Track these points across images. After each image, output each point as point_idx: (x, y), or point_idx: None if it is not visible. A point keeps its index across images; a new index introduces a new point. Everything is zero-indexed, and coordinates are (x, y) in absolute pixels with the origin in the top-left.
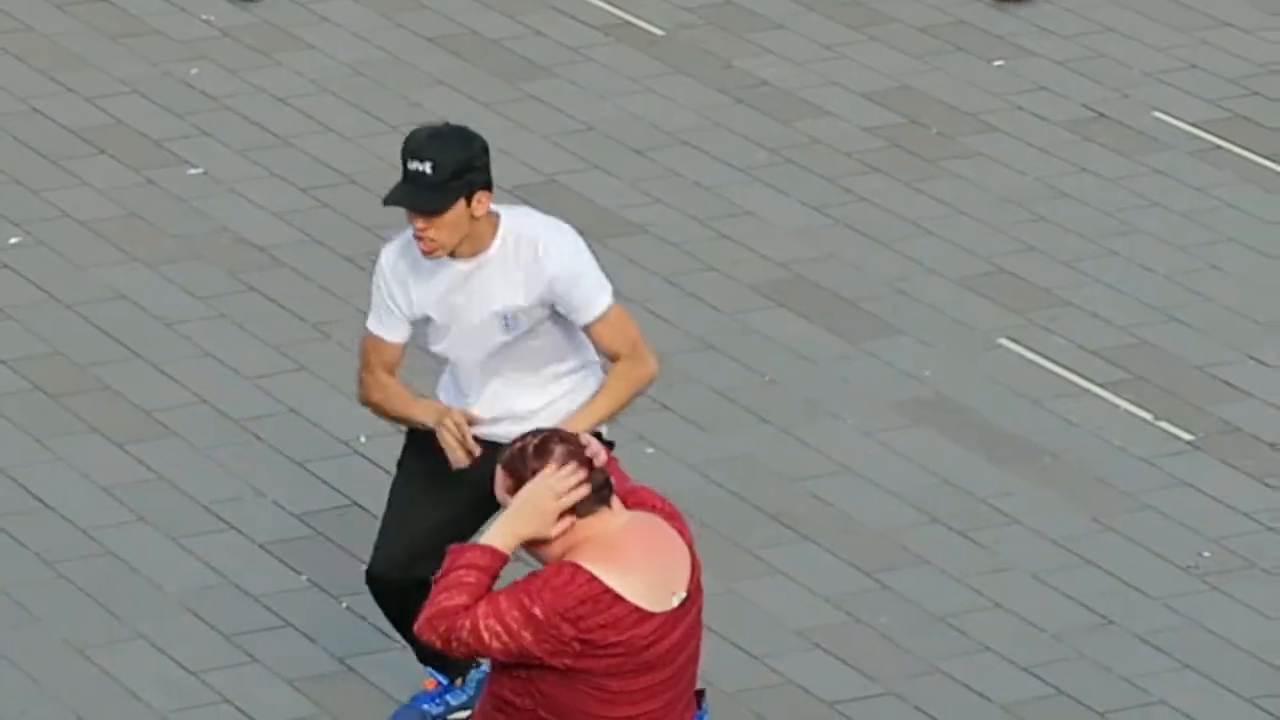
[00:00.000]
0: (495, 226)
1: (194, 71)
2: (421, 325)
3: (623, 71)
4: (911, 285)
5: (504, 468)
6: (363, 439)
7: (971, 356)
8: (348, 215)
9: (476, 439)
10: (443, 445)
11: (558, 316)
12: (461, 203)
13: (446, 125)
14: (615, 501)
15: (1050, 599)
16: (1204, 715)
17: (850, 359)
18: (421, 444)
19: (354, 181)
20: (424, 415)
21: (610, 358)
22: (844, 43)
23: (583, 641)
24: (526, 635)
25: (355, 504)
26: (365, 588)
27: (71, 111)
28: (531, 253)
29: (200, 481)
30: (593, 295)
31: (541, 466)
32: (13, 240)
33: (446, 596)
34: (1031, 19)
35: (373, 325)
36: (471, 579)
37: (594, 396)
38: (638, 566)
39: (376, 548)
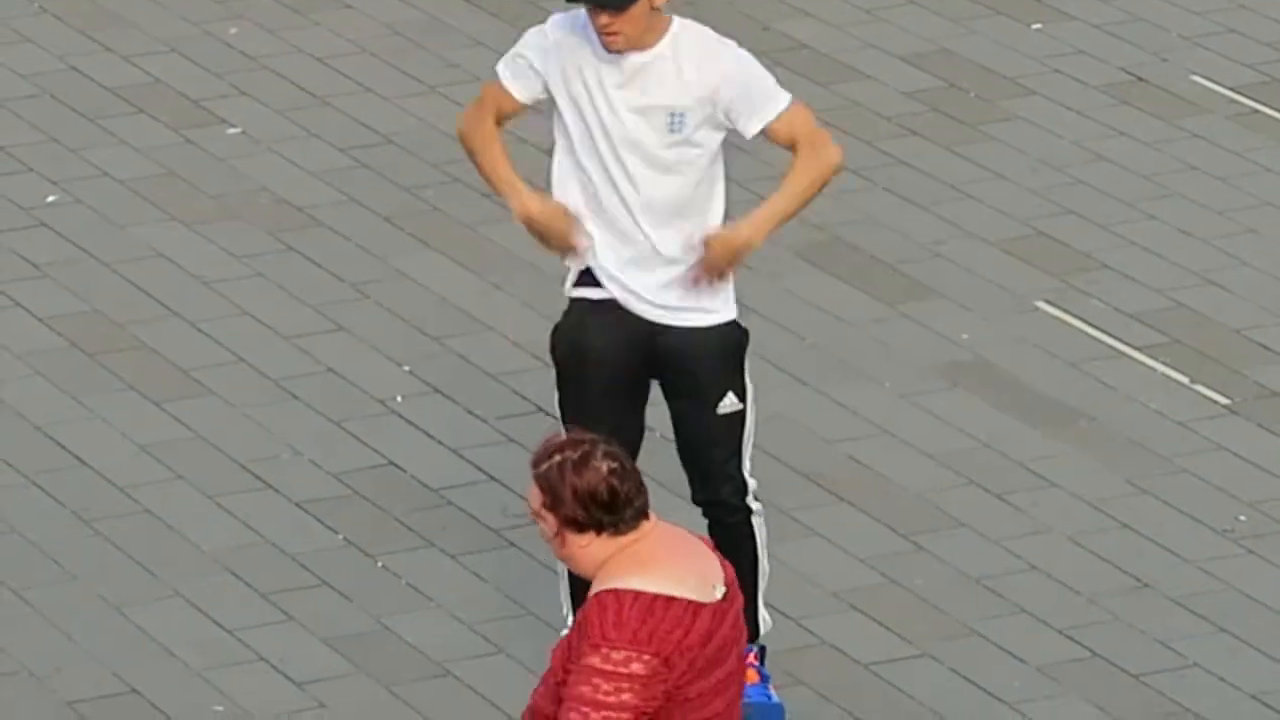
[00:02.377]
0: (667, 25)
1: (233, 31)
2: (573, 122)
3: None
4: (949, 249)
5: (537, 479)
6: (399, 399)
7: (1009, 320)
8: (386, 175)
9: (605, 302)
10: (541, 230)
11: (716, 144)
12: None
13: None
14: (650, 513)
15: (1086, 562)
16: (1239, 678)
17: (888, 322)
18: (575, 371)
19: (392, 141)
20: (508, 188)
21: (790, 148)
22: (883, 6)
23: (665, 658)
24: (627, 697)
25: (392, 464)
26: (402, 547)
27: (110, 70)
28: (705, 49)
29: (237, 440)
30: (773, 91)
31: (581, 483)
32: (50, 199)
33: None
34: None
35: (502, 69)
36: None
37: (775, 194)
38: (672, 566)
39: None
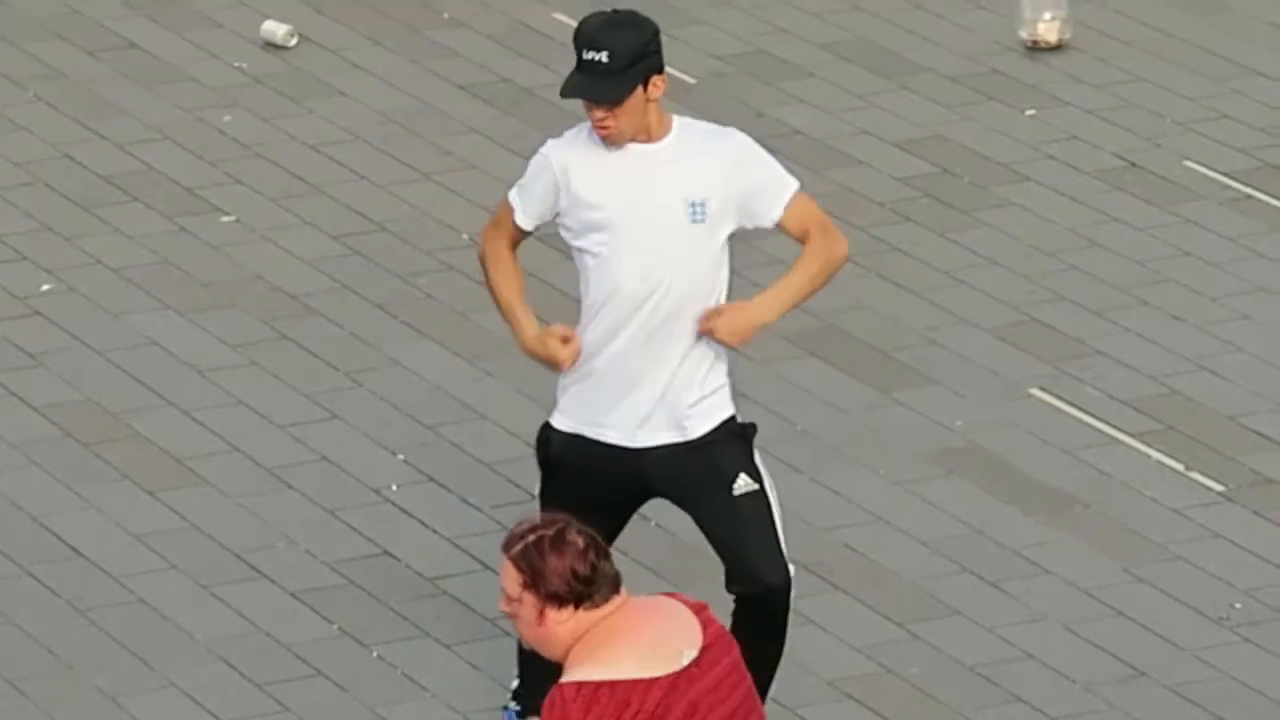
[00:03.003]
0: (668, 120)
1: (226, 119)
2: (587, 225)
3: None
4: (943, 335)
5: (514, 560)
6: (394, 487)
7: (1003, 406)
8: (379, 263)
9: (603, 445)
10: (544, 354)
11: (724, 238)
12: (639, 89)
13: (617, 11)
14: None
15: (1081, 650)
16: None
17: (882, 408)
18: (558, 476)
19: (385, 229)
20: (511, 317)
21: (801, 239)
22: (876, 91)
23: None
24: None
25: (386, 552)
26: (397, 637)
27: (104, 158)
28: (712, 140)
29: (232, 530)
30: (782, 176)
31: (561, 564)
32: (45, 287)
33: None
34: (1063, 68)
35: (514, 195)
36: None
37: (786, 274)
38: (629, 642)
39: None
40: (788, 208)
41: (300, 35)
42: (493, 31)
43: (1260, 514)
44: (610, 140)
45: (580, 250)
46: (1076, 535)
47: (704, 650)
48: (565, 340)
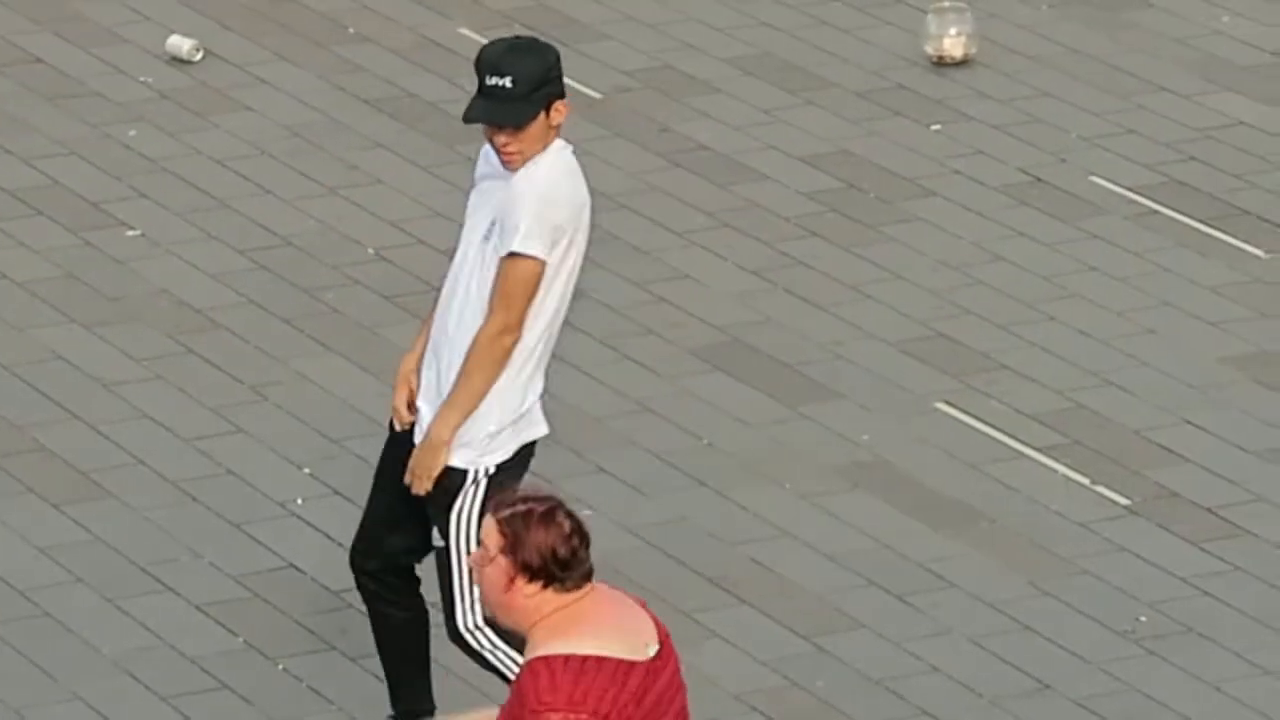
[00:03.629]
0: (549, 147)
1: (132, 133)
2: None
3: (561, 135)
4: (849, 349)
5: (500, 523)
6: (300, 501)
7: (909, 420)
8: (286, 277)
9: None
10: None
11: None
12: (542, 114)
13: (519, 38)
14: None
15: (988, 663)
16: None
17: (788, 423)
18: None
19: (291, 244)
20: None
21: (489, 306)
22: (782, 107)
23: (603, 716)
24: None
25: (292, 566)
26: (303, 650)
27: (9, 173)
28: (533, 172)
29: (137, 543)
30: (521, 227)
31: (544, 541)
32: None
33: None
34: (968, 83)
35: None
36: None
37: (462, 377)
38: (603, 626)
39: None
40: (505, 258)
41: (206, 50)
42: (398, 46)
43: (1165, 527)
44: (513, 165)
45: None
46: (982, 549)
47: (661, 644)
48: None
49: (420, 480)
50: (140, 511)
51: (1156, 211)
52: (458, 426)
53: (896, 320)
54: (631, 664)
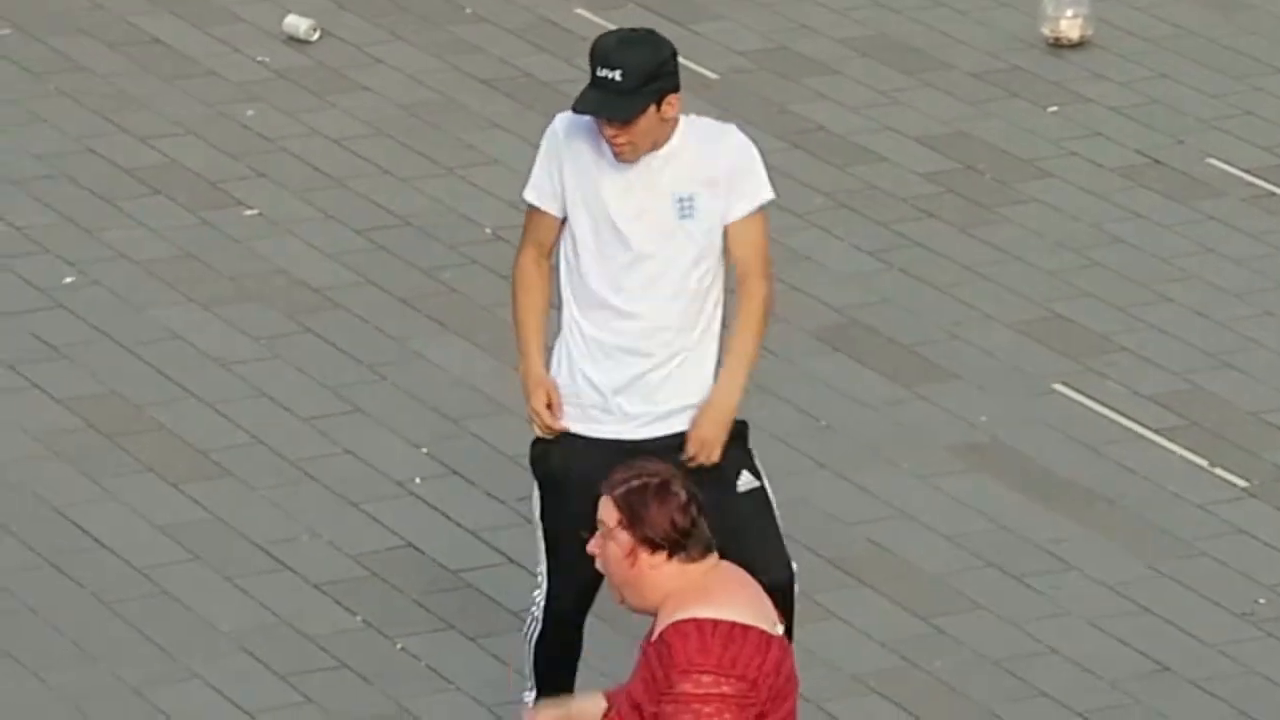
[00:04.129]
0: (676, 124)
1: (249, 113)
2: (582, 223)
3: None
4: (967, 330)
5: (616, 500)
6: (418, 480)
7: (1027, 402)
8: (403, 257)
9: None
10: (530, 403)
11: (719, 236)
12: (652, 108)
13: (634, 30)
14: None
15: (1106, 645)
16: None
17: (906, 404)
18: (558, 487)
19: (409, 223)
20: (522, 348)
21: (738, 270)
22: (899, 88)
23: (751, 681)
24: (729, 717)
25: (410, 545)
26: (421, 629)
27: (127, 152)
28: (708, 136)
29: (255, 522)
30: (760, 182)
31: (662, 512)
32: (67, 280)
33: None
34: (1085, 65)
35: (529, 194)
36: None
37: (732, 350)
38: (739, 597)
39: (555, 594)
40: (748, 217)
41: (323, 30)
42: (515, 26)
43: None
44: (624, 158)
45: (564, 252)
46: (1100, 531)
47: (786, 628)
48: (549, 405)
49: (712, 450)
50: (259, 491)
51: (1273, 193)
52: (742, 390)
53: (1014, 301)
54: (771, 636)
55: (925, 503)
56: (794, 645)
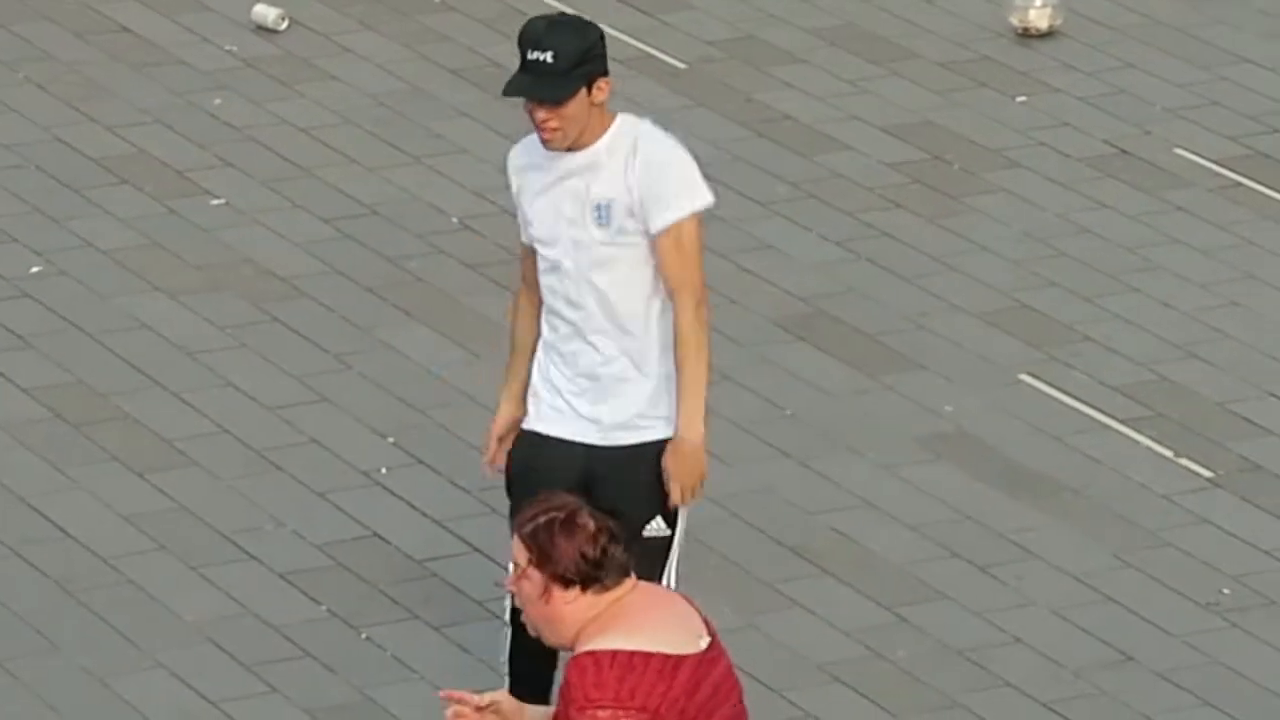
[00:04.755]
0: (609, 122)
1: (217, 102)
2: (536, 237)
3: (644, 104)
4: (932, 320)
5: (524, 538)
6: (384, 470)
7: (992, 392)
8: (370, 246)
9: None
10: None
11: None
12: (583, 91)
13: (562, 14)
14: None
15: (1070, 635)
16: None
17: (870, 393)
18: (521, 486)
19: (376, 212)
20: (503, 386)
21: (666, 285)
22: (866, 78)
23: (652, 712)
24: None
25: (376, 534)
26: (386, 619)
27: (94, 141)
28: (631, 143)
29: (221, 511)
30: (678, 189)
31: (570, 546)
32: (34, 269)
33: None
34: (1054, 55)
35: (520, 229)
36: None
37: (683, 381)
38: (649, 622)
39: None
40: (669, 229)
41: (291, 19)
42: (484, 15)
43: (1248, 500)
44: (552, 144)
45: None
46: (1065, 521)
47: (712, 637)
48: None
49: (691, 489)
50: (224, 480)
51: (1240, 184)
52: (702, 416)
53: (980, 291)
54: (681, 657)
55: (889, 492)
56: (757, 634)
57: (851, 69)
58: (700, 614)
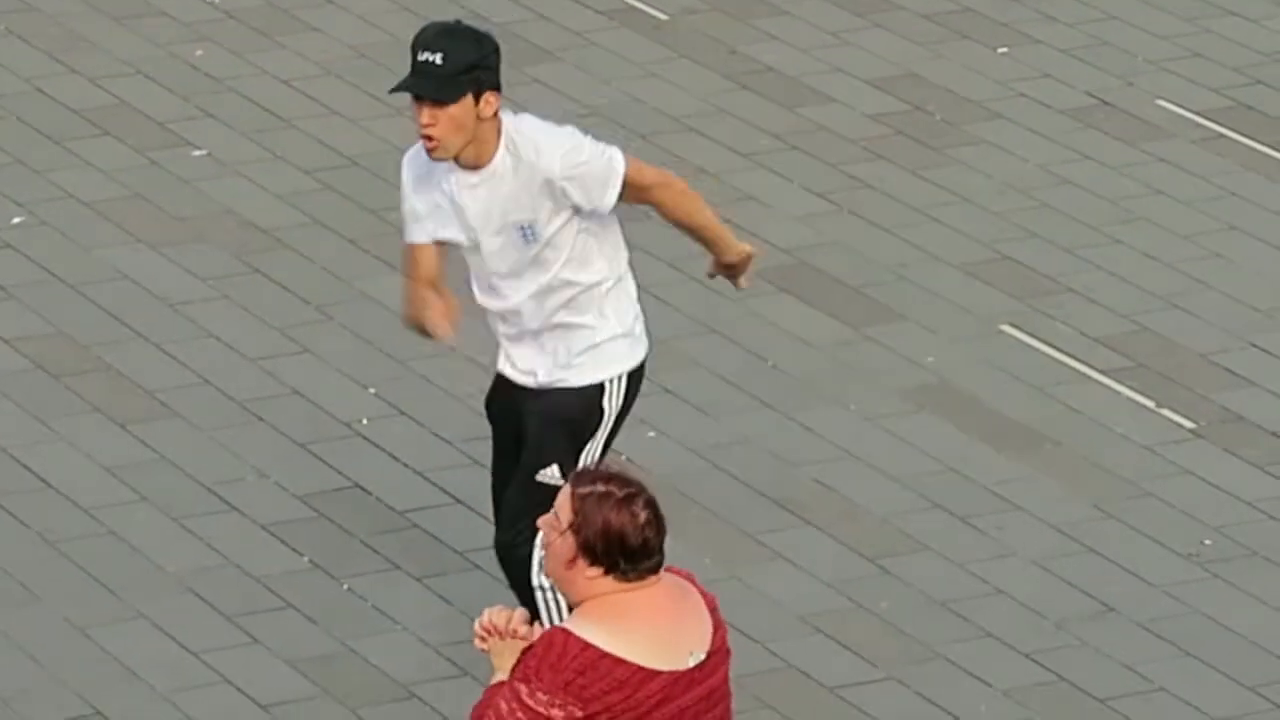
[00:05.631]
0: (499, 135)
1: (198, 53)
2: (453, 249)
3: (627, 56)
4: (915, 271)
5: (574, 499)
6: (365, 421)
7: (974, 343)
8: (351, 197)
9: (514, 385)
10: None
11: (582, 218)
12: (469, 98)
13: (459, 22)
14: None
15: (1052, 585)
16: (1204, 703)
17: (853, 344)
18: (490, 421)
19: (357, 164)
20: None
21: (648, 193)
22: (849, 29)
23: (588, 715)
24: None
25: (357, 486)
26: (368, 570)
27: (75, 92)
28: (532, 153)
29: (203, 462)
30: (606, 168)
31: (615, 522)
32: (16, 220)
33: None
34: (1036, 6)
35: (406, 234)
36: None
37: (707, 223)
38: (643, 626)
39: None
40: (621, 189)
41: None
42: None
43: (1230, 451)
44: (434, 153)
45: None
46: (1047, 472)
47: (710, 655)
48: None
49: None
50: (206, 431)
51: (1223, 135)
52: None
53: (962, 243)
54: (654, 673)
55: (872, 443)
56: (739, 585)
57: (834, 21)
58: (713, 620)
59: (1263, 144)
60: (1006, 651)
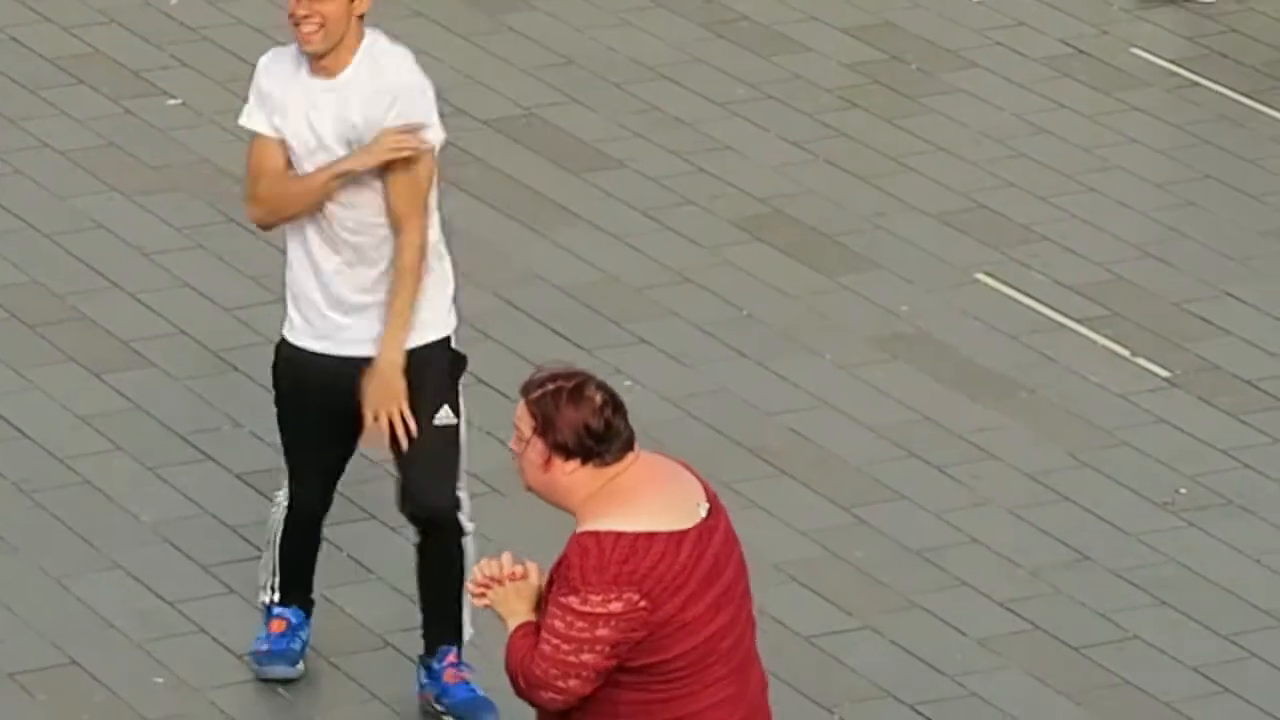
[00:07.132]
0: (358, 44)
1: (173, 2)
2: (294, 157)
3: (602, 5)
4: (890, 220)
5: (530, 405)
6: None
7: (949, 292)
8: None
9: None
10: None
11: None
12: None
13: None
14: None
15: (1026, 534)
16: (1179, 651)
17: (828, 293)
18: (296, 384)
19: None
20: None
21: (392, 218)
22: None
23: (648, 594)
24: (603, 632)
25: None
26: (343, 519)
27: (49, 41)
28: (378, 66)
29: (178, 412)
30: (426, 119)
31: (575, 418)
32: None
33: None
34: None
35: (245, 121)
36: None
37: (392, 306)
38: (649, 497)
39: (296, 489)
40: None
41: None
42: None
43: (1205, 400)
44: (310, 45)
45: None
46: (1021, 420)
47: (712, 501)
48: None
49: (388, 411)
50: (181, 380)
51: (1198, 84)
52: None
53: (937, 192)
54: (683, 533)
55: (847, 392)
56: None
57: None
58: (699, 479)
59: (1236, 92)
60: (982, 600)
